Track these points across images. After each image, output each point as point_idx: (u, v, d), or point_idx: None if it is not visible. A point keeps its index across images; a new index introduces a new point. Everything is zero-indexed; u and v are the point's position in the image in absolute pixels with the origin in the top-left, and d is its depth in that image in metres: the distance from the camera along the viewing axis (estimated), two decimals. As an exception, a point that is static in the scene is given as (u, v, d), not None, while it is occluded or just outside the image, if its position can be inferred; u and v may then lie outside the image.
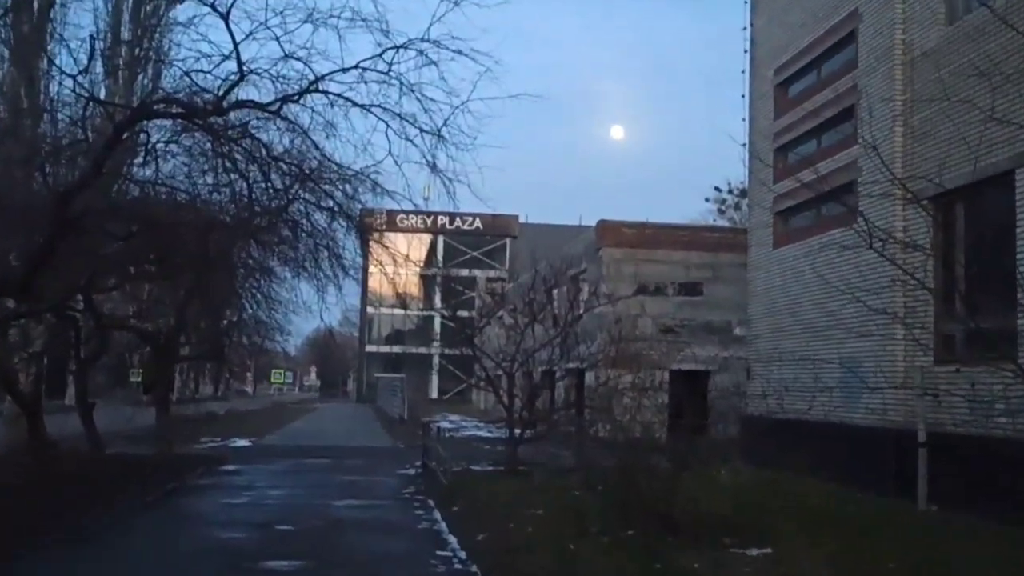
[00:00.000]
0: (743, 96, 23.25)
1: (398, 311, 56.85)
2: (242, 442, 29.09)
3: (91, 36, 15.41)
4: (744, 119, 23.08)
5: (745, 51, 23.44)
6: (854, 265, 15.75)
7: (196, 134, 15.74)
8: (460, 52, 13.49)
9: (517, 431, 20.36)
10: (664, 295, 31.82)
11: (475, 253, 77.22)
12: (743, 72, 23.43)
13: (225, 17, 13.15)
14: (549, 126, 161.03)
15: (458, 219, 76.00)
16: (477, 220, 77.17)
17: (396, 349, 75.43)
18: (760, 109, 22.22)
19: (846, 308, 15.97)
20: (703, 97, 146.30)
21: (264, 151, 15.41)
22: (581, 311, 23.82)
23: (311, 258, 18.29)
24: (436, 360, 67.38)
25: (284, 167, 15.87)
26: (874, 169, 12.20)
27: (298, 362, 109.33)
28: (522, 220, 78.45)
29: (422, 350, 64.64)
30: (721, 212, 56.66)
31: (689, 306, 31.69)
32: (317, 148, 15.34)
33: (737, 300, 26.40)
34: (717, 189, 56.47)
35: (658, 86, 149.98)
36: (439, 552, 11.09)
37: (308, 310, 20.60)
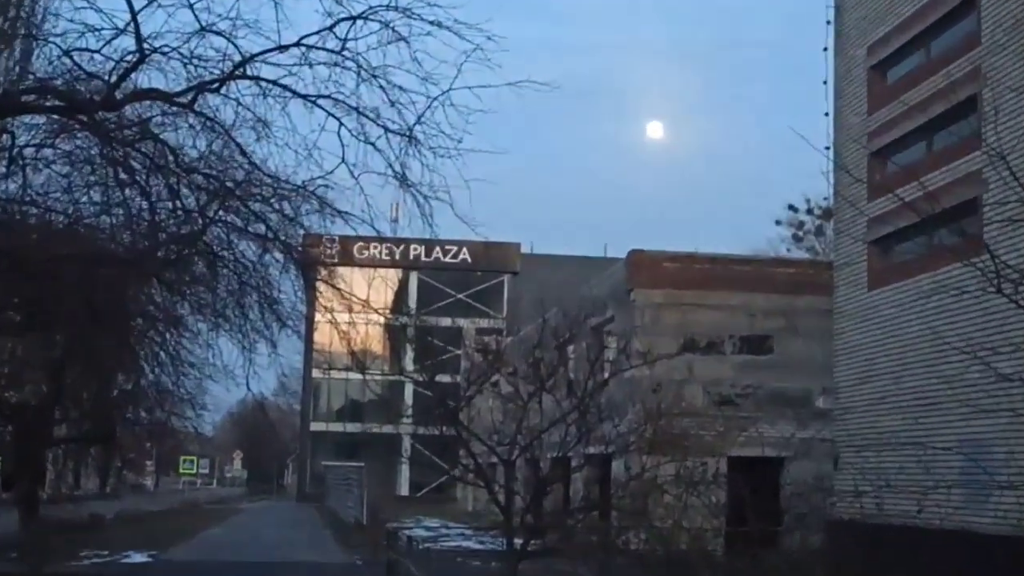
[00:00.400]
0: (825, 83, 23.49)
1: (355, 376, 56.68)
2: (139, 557, 28.95)
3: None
4: (827, 114, 23.31)
5: (828, 22, 23.72)
6: (979, 314, 15.79)
7: (79, 135, 15.84)
8: (439, 24, 13.63)
9: (518, 541, 20.25)
10: (720, 353, 31.86)
11: (461, 295, 77.38)
12: (825, 50, 23.68)
13: (120, -23, 13.28)
14: (563, 125, 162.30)
15: (438, 249, 76.21)
16: (464, 251, 77.39)
17: (352, 428, 75.13)
18: (848, 101, 22.43)
19: (968, 373, 15.99)
20: (775, 85, 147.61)
21: (172, 157, 15.50)
22: (606, 375, 23.78)
23: (234, 303, 18.33)
24: (407, 443, 67.11)
25: (199, 179, 15.94)
26: (1003, 184, 12.29)
27: (217, 446, 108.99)
28: (525, 250, 78.70)
29: (388, 429, 64.38)
30: (798, 240, 57.00)
31: (754, 368, 31.71)
32: (244, 154, 15.44)
33: (819, 361, 26.39)
34: (792, 208, 56.90)
35: (711, 70, 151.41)
36: None
37: (230, 375, 20.50)
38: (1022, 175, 12.23)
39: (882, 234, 20.58)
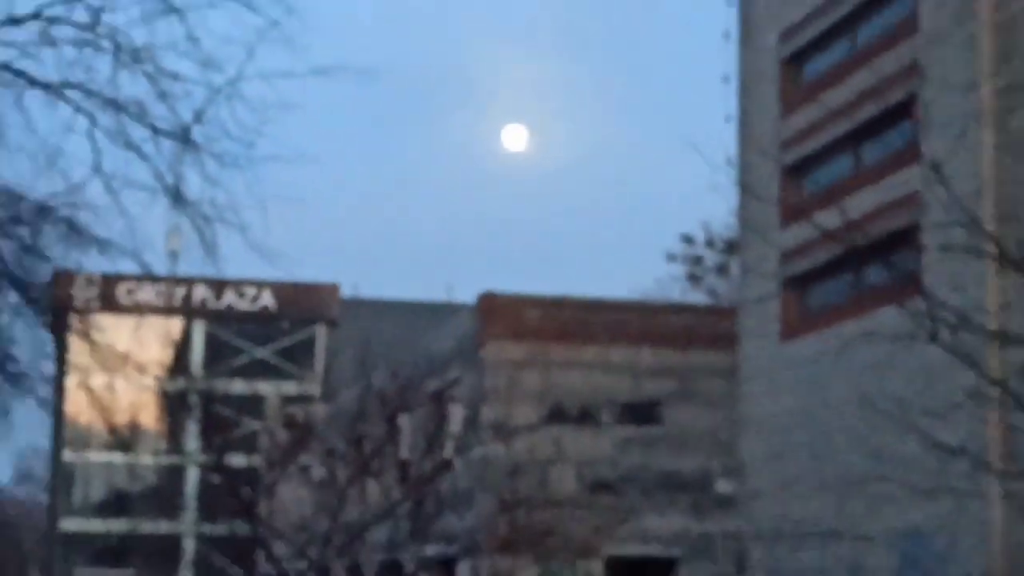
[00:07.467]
0: (726, 79, 23.83)
1: (120, 458, 55.85)
2: None
3: None
4: (730, 119, 23.63)
5: (730, 2, 24.14)
6: (918, 370, 16.12)
7: None
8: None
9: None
10: (596, 425, 32.03)
11: (262, 351, 76.65)
12: (726, 37, 24.08)
13: None
14: (393, 129, 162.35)
15: (231, 292, 75.40)
16: (265, 294, 76.71)
17: (117, 526, 73.82)
18: (757, 101, 22.83)
19: (904, 446, 16.27)
20: (666, 83, 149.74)
21: None
22: (449, 455, 23.80)
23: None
24: (190, 545, 66.16)
25: None
26: (944, 209, 12.56)
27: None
28: (346, 294, 78.40)
29: (165, 528, 63.40)
30: (695, 280, 57.66)
31: (639, 444, 31.94)
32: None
33: (720, 433, 26.72)
34: (687, 240, 57.52)
35: (590, 60, 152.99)
36: None
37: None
38: (968, 197, 12.52)
39: (798, 271, 20.95)
